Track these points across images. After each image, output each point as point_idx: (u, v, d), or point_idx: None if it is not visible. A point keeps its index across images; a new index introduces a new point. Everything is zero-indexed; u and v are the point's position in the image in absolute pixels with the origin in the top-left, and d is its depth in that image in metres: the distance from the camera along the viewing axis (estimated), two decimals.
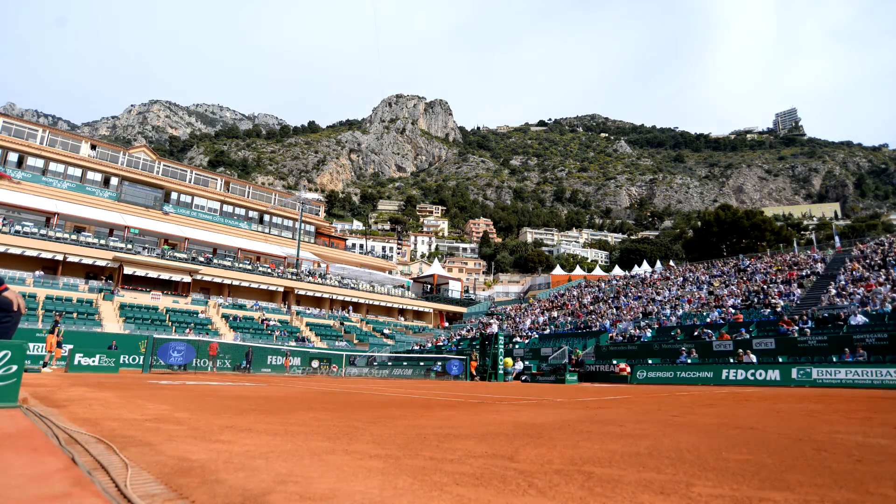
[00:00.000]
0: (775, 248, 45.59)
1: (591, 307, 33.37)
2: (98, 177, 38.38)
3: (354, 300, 43.96)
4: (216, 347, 24.47)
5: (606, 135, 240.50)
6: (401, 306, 47.68)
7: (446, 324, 48.96)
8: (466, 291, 67.18)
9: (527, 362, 24.31)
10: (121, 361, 19.07)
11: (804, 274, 26.56)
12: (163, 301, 32.71)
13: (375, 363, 28.92)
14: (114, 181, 39.09)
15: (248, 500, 1.45)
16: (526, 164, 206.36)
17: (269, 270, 40.05)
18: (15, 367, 3.46)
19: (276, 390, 9.31)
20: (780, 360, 17.91)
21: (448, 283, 58.10)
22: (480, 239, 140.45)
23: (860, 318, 18.36)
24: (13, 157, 35.08)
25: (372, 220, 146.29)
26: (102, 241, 33.25)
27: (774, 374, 16.80)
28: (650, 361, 21.32)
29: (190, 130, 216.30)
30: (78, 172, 37.44)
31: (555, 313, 34.52)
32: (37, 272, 30.06)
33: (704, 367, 18.76)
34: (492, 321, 36.42)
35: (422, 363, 27.89)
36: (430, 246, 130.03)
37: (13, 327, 3.62)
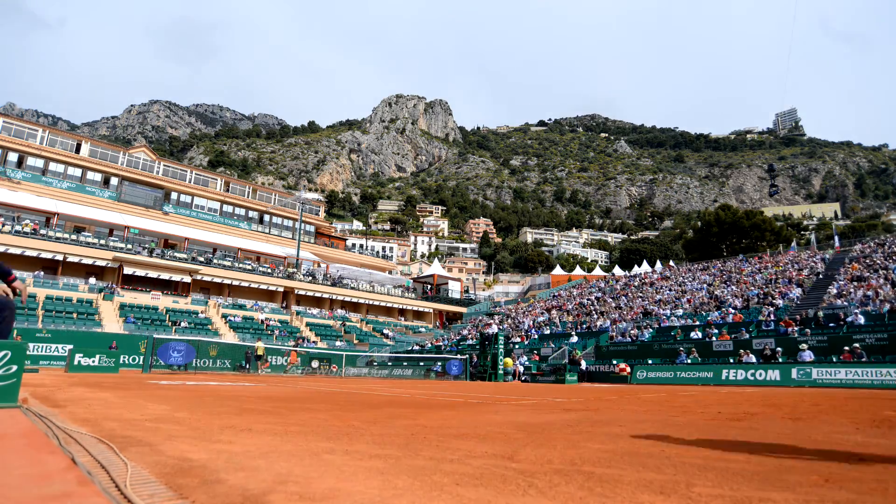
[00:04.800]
0: (775, 248, 45.59)
1: (591, 307, 33.37)
2: (98, 177, 38.36)
3: (354, 300, 43.96)
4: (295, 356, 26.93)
5: (606, 135, 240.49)
6: (401, 306, 47.68)
7: (446, 323, 48.97)
8: (466, 291, 67.17)
9: (527, 362, 24.31)
10: (121, 361, 19.06)
11: (804, 274, 26.56)
12: (163, 301, 32.71)
13: (375, 363, 28.93)
14: (114, 181, 39.08)
15: (248, 500, 1.45)
16: (526, 164, 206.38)
17: (269, 270, 40.05)
18: (15, 367, 3.46)
19: (275, 390, 9.30)
20: (780, 360, 17.90)
21: (448, 283, 58.09)
22: (480, 239, 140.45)
23: (860, 319, 18.36)
24: (13, 157, 35.07)
25: (372, 221, 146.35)
26: (102, 241, 33.25)
27: (774, 374, 16.80)
28: (650, 361, 21.31)
29: (190, 130, 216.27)
30: (78, 172, 37.43)
31: (554, 313, 34.52)
32: (37, 272, 30.06)
33: (704, 367, 18.76)
34: (491, 321, 36.42)
35: (422, 363, 27.89)
36: (430, 246, 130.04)
37: (9, 325, 3.64)
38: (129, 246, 33.97)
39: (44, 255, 30.32)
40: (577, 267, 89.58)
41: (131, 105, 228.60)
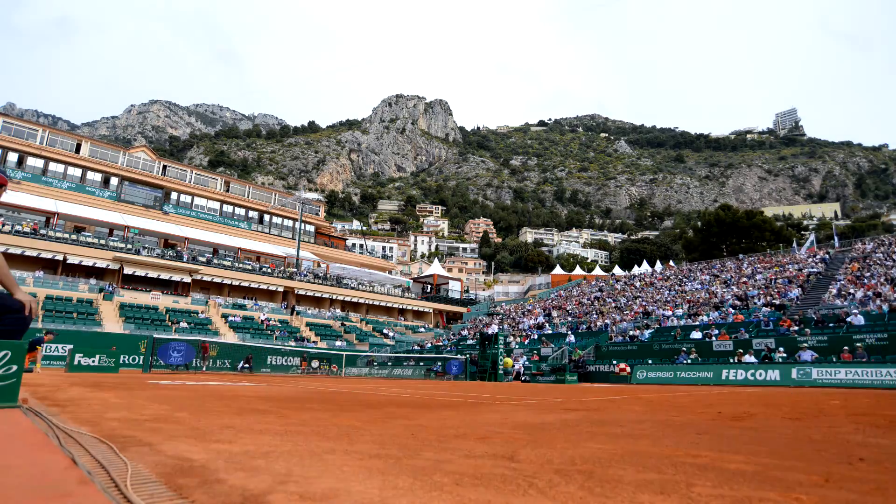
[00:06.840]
0: (775, 248, 45.59)
1: (591, 307, 33.37)
2: (98, 177, 38.38)
3: (354, 300, 43.95)
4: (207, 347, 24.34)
5: (606, 135, 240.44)
6: (401, 306, 47.67)
7: (446, 323, 48.96)
8: (466, 291, 67.15)
9: (527, 362, 24.30)
10: (121, 361, 19.05)
11: (804, 274, 26.56)
12: (163, 301, 32.71)
13: (375, 363, 28.92)
14: (114, 181, 39.09)
15: (248, 500, 1.45)
16: (526, 164, 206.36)
17: (269, 270, 40.04)
18: (15, 367, 3.46)
19: (275, 390, 9.30)
20: (780, 360, 17.90)
21: (448, 283, 58.07)
22: (480, 239, 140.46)
23: (860, 318, 18.36)
24: (13, 157, 35.09)
25: (372, 220, 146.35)
26: (102, 241, 33.25)
27: (774, 374, 16.80)
28: (650, 361, 21.32)
29: (190, 130, 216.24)
30: (78, 172, 37.43)
31: (555, 313, 34.52)
32: (37, 272, 30.05)
33: (704, 367, 18.77)
34: (492, 321, 36.43)
35: (422, 363, 27.89)
36: (430, 246, 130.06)
37: (24, 329, 3.62)
38: (130, 246, 33.98)
39: (44, 255, 30.31)
40: (577, 267, 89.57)
41: (131, 105, 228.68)
